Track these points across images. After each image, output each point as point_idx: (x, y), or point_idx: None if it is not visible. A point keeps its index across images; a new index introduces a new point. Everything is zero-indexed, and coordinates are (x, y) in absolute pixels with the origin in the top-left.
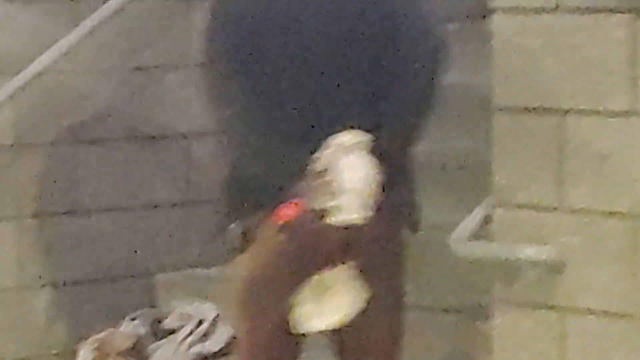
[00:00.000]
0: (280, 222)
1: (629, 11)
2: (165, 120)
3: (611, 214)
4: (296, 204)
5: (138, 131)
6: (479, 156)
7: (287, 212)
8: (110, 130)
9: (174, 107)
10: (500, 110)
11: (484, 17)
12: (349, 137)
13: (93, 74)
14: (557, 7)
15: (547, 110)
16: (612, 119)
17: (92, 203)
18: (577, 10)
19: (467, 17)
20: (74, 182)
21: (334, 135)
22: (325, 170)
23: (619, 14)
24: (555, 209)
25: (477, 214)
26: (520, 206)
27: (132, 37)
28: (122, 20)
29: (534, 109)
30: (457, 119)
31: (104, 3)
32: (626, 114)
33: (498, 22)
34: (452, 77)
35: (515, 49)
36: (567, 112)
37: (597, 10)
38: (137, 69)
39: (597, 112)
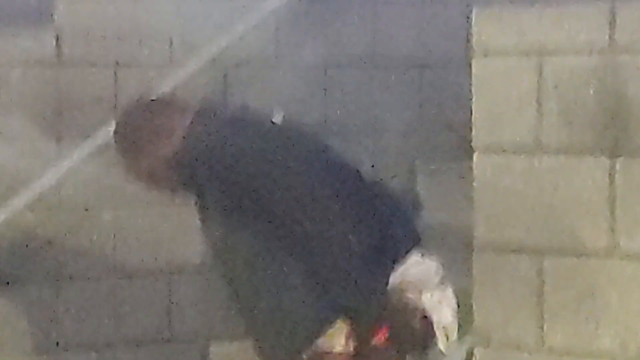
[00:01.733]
0: (374, 344)
1: (608, 152)
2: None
3: (591, 353)
4: (387, 328)
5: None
6: (459, 295)
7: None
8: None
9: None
10: (479, 249)
11: (465, 157)
12: (436, 269)
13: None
14: (536, 147)
15: (526, 250)
16: (591, 259)
17: None
18: (557, 151)
19: (449, 157)
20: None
21: (413, 262)
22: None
23: (597, 156)
24: (536, 348)
25: (459, 353)
26: (500, 346)
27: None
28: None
29: (513, 249)
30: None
31: None
32: (605, 253)
33: (478, 162)
34: (432, 216)
35: (495, 189)
36: (546, 251)
37: (576, 152)
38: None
39: (577, 252)
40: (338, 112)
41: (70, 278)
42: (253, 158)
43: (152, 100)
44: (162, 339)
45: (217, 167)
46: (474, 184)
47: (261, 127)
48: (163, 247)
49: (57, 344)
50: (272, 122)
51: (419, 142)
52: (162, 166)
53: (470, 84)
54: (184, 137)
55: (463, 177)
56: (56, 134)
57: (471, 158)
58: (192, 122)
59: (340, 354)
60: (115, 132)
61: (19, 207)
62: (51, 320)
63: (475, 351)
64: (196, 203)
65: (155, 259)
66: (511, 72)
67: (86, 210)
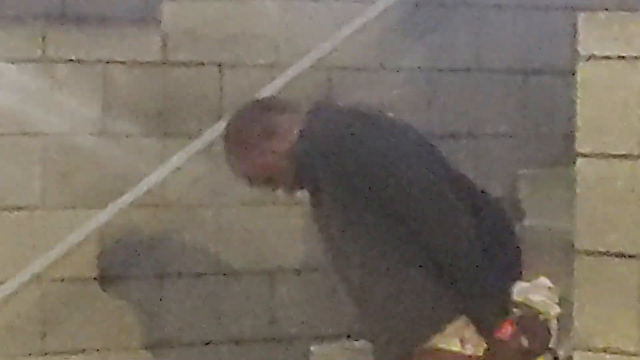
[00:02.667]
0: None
1: None
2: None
3: None
4: (510, 321)
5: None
6: (561, 300)
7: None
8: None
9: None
10: (581, 254)
11: (569, 163)
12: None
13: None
14: None
15: (628, 255)
16: None
17: None
18: None
19: (551, 163)
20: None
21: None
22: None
23: None
24: (636, 354)
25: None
26: (599, 350)
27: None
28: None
29: (615, 254)
30: (539, 261)
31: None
32: None
33: (582, 167)
34: (536, 220)
35: (598, 194)
36: None
37: None
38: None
39: None
40: (441, 116)
41: (174, 276)
42: (373, 153)
43: (262, 100)
44: (264, 338)
45: (336, 163)
46: (577, 189)
47: (379, 122)
48: (266, 246)
49: (160, 340)
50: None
51: (522, 148)
52: (278, 164)
53: (576, 90)
54: (300, 134)
55: (566, 183)
56: (162, 133)
57: (574, 164)
58: (308, 119)
59: (454, 353)
60: (227, 133)
61: (125, 205)
62: (155, 317)
63: (575, 355)
64: (312, 201)
65: (258, 258)
66: (616, 77)
67: (190, 208)
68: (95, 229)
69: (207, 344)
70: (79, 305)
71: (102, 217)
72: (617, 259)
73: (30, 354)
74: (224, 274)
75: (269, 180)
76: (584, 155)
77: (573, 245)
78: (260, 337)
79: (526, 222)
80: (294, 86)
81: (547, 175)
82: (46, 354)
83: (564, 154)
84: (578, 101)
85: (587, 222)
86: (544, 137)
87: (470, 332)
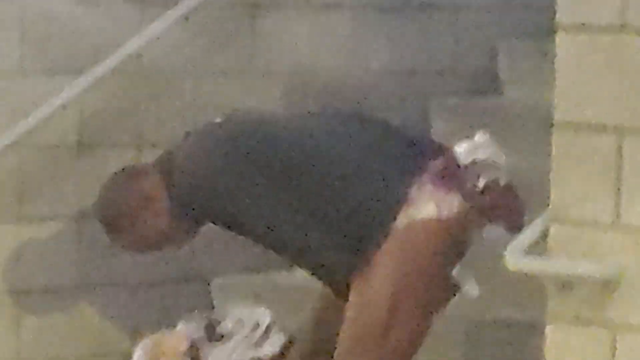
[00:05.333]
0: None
1: None
2: None
3: None
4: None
5: None
6: (537, 171)
7: None
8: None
9: None
10: (559, 126)
11: (550, 35)
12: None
13: (158, 75)
14: (622, 26)
15: (606, 128)
16: None
17: None
18: None
19: (531, 36)
20: None
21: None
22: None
23: None
24: (612, 226)
25: (534, 229)
26: (576, 222)
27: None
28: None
29: (593, 126)
30: (516, 134)
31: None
32: None
33: (561, 40)
34: (513, 93)
35: (578, 68)
36: (627, 131)
37: None
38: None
39: None
40: None
41: (151, 145)
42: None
43: (124, 170)
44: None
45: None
46: (556, 63)
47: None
48: None
49: None
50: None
51: (502, 20)
52: (165, 225)
53: None
54: (172, 182)
55: (545, 56)
56: (141, 0)
57: (554, 35)
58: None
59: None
60: (103, 213)
61: (104, 73)
62: None
63: (551, 226)
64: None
65: None
66: None
67: (169, 78)
68: (73, 96)
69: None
70: (56, 173)
71: (80, 83)
72: (595, 132)
73: (6, 221)
74: None
75: (166, 241)
76: (564, 29)
77: (551, 119)
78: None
79: (505, 95)
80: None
81: (527, 47)
82: (22, 219)
83: (544, 26)
84: None
85: (565, 96)
86: (524, 9)
87: (438, 195)
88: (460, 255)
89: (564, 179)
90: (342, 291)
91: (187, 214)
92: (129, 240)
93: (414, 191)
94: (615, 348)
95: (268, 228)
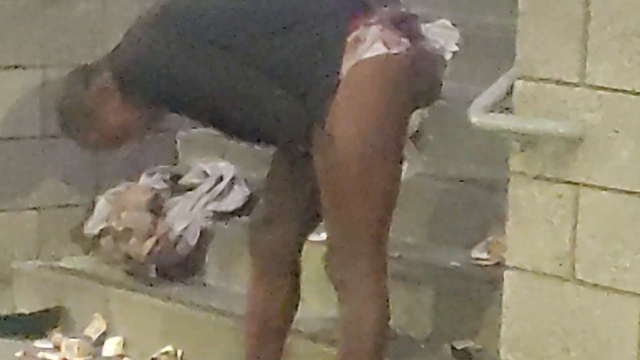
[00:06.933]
0: None
1: None
2: None
3: (633, 91)
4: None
5: None
6: (503, 29)
7: None
8: None
9: None
10: None
11: None
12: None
13: None
14: None
15: None
16: None
17: None
18: None
19: None
20: None
21: None
22: None
23: None
24: (577, 84)
25: (498, 86)
26: (542, 80)
27: None
28: None
29: None
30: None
31: None
32: None
33: None
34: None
35: None
36: None
37: None
38: None
39: None
40: None
41: None
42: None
43: (79, 68)
44: None
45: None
46: None
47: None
48: None
49: None
50: None
51: None
52: (126, 118)
53: None
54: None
55: None
56: None
57: None
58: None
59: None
60: (63, 112)
61: None
62: (98, 34)
63: (517, 83)
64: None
65: None
66: None
67: None
68: None
69: None
70: (21, 21)
71: None
72: None
73: None
74: None
75: (126, 135)
76: None
77: None
78: None
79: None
80: None
81: None
82: None
83: None
84: None
85: None
86: None
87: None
88: (415, 98)
89: (530, 36)
90: (300, 151)
91: (141, 104)
92: (92, 139)
93: (360, 32)
94: (577, 205)
95: (221, 101)
